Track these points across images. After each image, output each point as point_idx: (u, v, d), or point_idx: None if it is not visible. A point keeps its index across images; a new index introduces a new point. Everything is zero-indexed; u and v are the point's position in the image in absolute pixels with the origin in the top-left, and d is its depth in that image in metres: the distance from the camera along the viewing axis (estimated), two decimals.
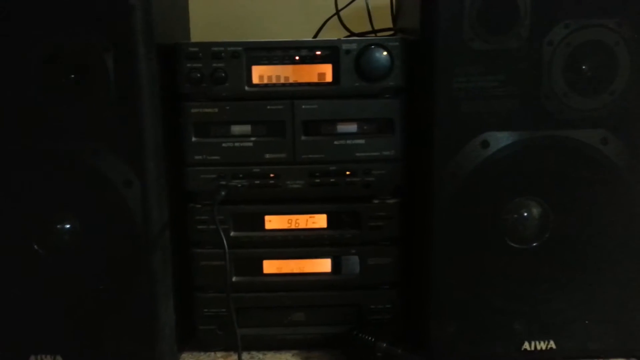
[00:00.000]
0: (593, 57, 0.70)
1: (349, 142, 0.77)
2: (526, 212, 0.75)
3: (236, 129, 0.77)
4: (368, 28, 1.00)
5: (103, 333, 0.75)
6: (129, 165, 0.71)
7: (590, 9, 0.69)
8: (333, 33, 1.01)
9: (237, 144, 0.77)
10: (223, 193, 0.76)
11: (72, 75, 0.70)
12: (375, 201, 0.79)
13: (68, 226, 0.74)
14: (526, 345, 0.76)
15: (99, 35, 0.68)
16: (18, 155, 0.71)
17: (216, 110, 0.76)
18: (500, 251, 0.75)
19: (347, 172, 0.78)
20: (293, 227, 0.80)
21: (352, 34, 0.99)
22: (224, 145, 0.77)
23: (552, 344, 0.76)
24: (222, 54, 0.75)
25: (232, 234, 0.79)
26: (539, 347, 0.76)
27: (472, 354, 0.77)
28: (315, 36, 1.02)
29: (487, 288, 0.76)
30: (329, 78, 0.76)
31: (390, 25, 0.99)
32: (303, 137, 0.77)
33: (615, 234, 0.74)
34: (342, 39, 0.78)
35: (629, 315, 0.76)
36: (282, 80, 0.76)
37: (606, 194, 0.73)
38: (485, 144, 0.72)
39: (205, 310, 0.81)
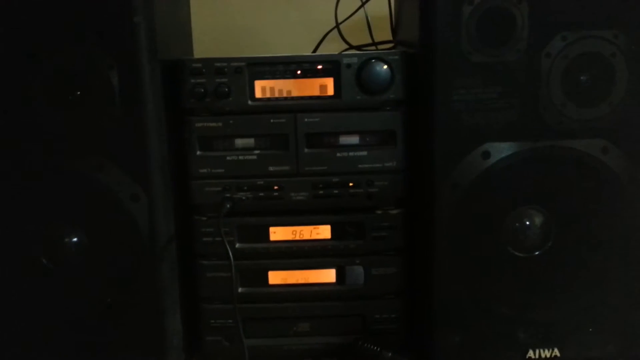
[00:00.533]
0: (591, 68, 0.71)
1: (351, 154, 0.79)
2: (528, 221, 0.75)
3: (240, 142, 0.79)
4: (368, 40, 1.02)
5: (111, 345, 0.75)
6: (135, 180, 0.72)
7: (587, 21, 0.70)
8: (334, 45, 1.03)
9: (241, 157, 0.78)
10: (228, 205, 0.77)
11: (78, 92, 0.71)
12: (379, 212, 0.80)
13: (76, 240, 0.75)
14: (530, 354, 0.77)
15: (104, 53, 0.69)
16: (25, 171, 0.72)
17: (220, 124, 0.78)
18: (503, 260, 0.75)
19: (350, 184, 0.79)
20: (297, 238, 0.81)
21: (351, 46, 1.01)
22: (228, 158, 0.78)
23: (556, 352, 0.77)
24: (225, 69, 0.76)
25: (237, 245, 0.80)
26: (543, 355, 0.77)
27: None
28: (315, 49, 1.03)
29: (490, 297, 0.76)
30: (330, 91, 0.77)
31: (389, 36, 1.01)
32: (306, 150, 0.78)
33: (616, 242, 0.75)
34: (343, 53, 0.80)
35: (632, 322, 0.77)
36: (284, 94, 0.78)
37: (607, 202, 0.74)
38: (486, 155, 0.73)
39: (212, 321, 0.81)
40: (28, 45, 0.69)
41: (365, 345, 0.77)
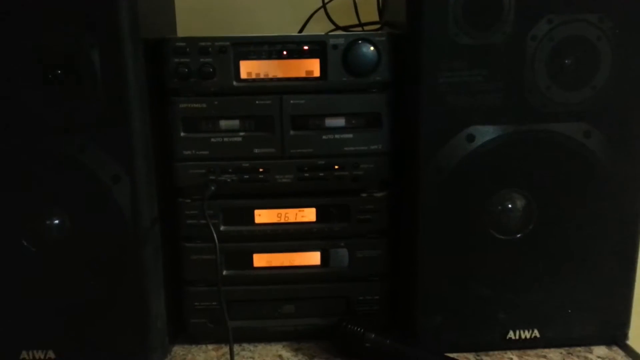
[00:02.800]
0: (576, 51, 0.71)
1: (337, 136, 0.78)
2: (511, 204, 0.76)
3: (225, 124, 0.78)
4: (355, 21, 1.01)
5: (94, 327, 0.75)
6: (117, 161, 0.71)
7: (572, 4, 0.70)
8: (320, 25, 1.02)
9: (226, 139, 0.78)
10: (212, 188, 0.77)
11: (59, 72, 0.69)
12: (364, 194, 0.80)
13: (57, 222, 0.74)
14: (511, 334, 0.78)
15: (85, 32, 0.68)
16: (4, 152, 0.71)
17: (204, 105, 0.77)
18: (485, 242, 0.76)
19: (336, 166, 0.79)
20: (282, 221, 0.81)
21: (338, 27, 1.00)
22: (212, 140, 0.77)
23: (536, 333, 0.78)
24: (210, 49, 0.75)
25: (222, 228, 0.80)
26: (523, 336, 0.78)
27: (458, 343, 0.79)
28: (302, 29, 1.02)
29: (472, 279, 0.77)
30: (316, 73, 0.77)
31: (376, 17, 1.00)
32: (292, 132, 0.78)
33: (597, 225, 0.76)
34: (330, 34, 0.79)
35: (611, 303, 0.78)
36: (270, 75, 0.77)
37: (589, 185, 0.75)
38: (470, 138, 0.73)
39: (196, 303, 0.81)
40: (9, 23, 0.67)
41: (350, 326, 0.78)
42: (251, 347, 0.83)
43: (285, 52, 0.76)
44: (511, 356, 0.78)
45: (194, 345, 0.83)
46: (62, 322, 0.75)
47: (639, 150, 0.75)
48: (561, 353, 0.79)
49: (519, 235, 0.76)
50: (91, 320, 0.75)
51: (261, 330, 0.83)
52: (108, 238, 0.73)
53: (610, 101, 0.73)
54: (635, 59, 0.72)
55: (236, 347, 0.82)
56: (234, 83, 0.76)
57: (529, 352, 0.79)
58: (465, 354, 0.79)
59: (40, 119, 0.70)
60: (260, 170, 0.79)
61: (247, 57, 0.76)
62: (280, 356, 0.80)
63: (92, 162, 0.71)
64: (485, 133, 0.73)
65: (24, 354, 0.75)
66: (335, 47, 0.76)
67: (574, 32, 0.71)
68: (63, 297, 0.74)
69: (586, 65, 0.72)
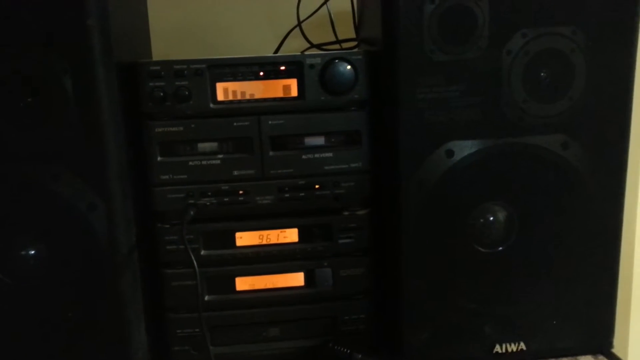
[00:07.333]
0: (550, 64, 0.72)
1: (317, 155, 0.78)
2: (492, 217, 0.76)
3: (203, 146, 0.77)
4: (332, 38, 1.01)
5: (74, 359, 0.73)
6: (92, 189, 0.69)
7: (546, 18, 0.71)
8: (298, 42, 1.02)
9: (204, 162, 0.76)
10: (192, 212, 0.76)
11: (29, 99, 0.68)
12: (346, 213, 0.80)
13: (33, 252, 0.72)
14: (497, 348, 0.78)
15: (56, 58, 0.66)
16: None
17: (181, 128, 0.75)
18: (468, 256, 0.76)
19: (317, 186, 0.78)
20: (264, 242, 0.80)
21: (313, 45, 0.99)
22: (190, 163, 0.76)
23: (522, 345, 0.78)
24: (185, 71, 0.74)
25: (202, 252, 0.79)
26: (509, 349, 0.78)
27: (446, 359, 0.78)
28: (278, 47, 1.02)
29: (457, 293, 0.77)
30: (294, 93, 0.76)
31: (353, 33, 1.00)
32: (271, 153, 0.77)
33: (578, 235, 0.76)
34: (306, 53, 0.78)
35: (594, 312, 0.79)
36: (247, 96, 0.76)
37: (568, 196, 0.75)
38: (450, 153, 0.73)
39: (179, 330, 0.79)
40: None
41: (336, 347, 0.77)
42: None
43: (262, 73, 0.76)
44: None
45: None
46: (40, 354, 0.73)
47: (616, 160, 0.75)
48: None
49: (501, 248, 0.77)
50: (70, 351, 0.73)
51: (246, 355, 0.81)
52: (85, 268, 0.71)
53: (586, 112, 0.73)
54: (608, 70, 0.73)
55: None
56: (211, 105, 0.76)
57: None
58: None
59: (12, 147, 0.68)
60: (240, 192, 0.77)
61: (223, 79, 0.75)
62: None
63: (67, 191, 0.69)
64: (465, 148, 0.73)
65: None
66: (312, 66, 0.75)
67: (548, 45, 0.72)
68: (40, 329, 0.72)
69: (561, 78, 0.73)
